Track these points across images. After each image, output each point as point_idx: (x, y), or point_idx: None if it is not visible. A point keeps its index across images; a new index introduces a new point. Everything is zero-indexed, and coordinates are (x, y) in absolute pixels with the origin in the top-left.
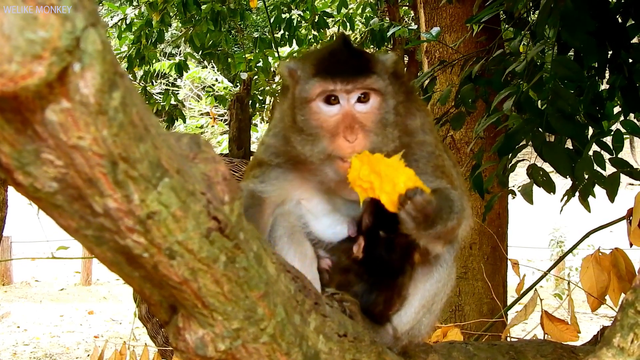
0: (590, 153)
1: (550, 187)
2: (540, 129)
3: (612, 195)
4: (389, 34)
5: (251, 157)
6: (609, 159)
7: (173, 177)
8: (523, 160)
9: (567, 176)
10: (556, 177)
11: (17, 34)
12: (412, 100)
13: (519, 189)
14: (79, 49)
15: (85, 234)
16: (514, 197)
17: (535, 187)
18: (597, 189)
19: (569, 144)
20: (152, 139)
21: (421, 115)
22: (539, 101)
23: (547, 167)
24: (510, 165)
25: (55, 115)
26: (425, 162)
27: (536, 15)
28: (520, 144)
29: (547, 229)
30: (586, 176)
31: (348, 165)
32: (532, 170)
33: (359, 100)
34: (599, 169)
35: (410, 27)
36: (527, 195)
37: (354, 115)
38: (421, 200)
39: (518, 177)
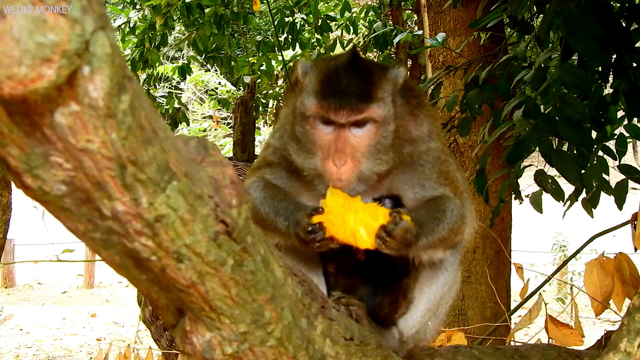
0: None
1: (559, 195)
2: (548, 136)
3: (620, 203)
4: (395, 41)
5: (257, 158)
6: (617, 166)
7: (181, 180)
8: (530, 165)
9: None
10: (559, 181)
11: (26, 37)
12: (421, 106)
13: (528, 196)
14: (88, 52)
15: (93, 237)
16: (521, 203)
17: None
18: (601, 194)
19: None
20: (160, 142)
21: (429, 122)
22: (542, 106)
23: (552, 171)
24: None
25: (64, 119)
26: (430, 168)
27: (540, 20)
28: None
29: (550, 233)
30: (594, 184)
31: (339, 184)
32: (541, 178)
33: (356, 123)
34: (604, 175)
35: (414, 32)
36: (537, 204)
37: (347, 138)
38: (400, 232)
39: (521, 181)
